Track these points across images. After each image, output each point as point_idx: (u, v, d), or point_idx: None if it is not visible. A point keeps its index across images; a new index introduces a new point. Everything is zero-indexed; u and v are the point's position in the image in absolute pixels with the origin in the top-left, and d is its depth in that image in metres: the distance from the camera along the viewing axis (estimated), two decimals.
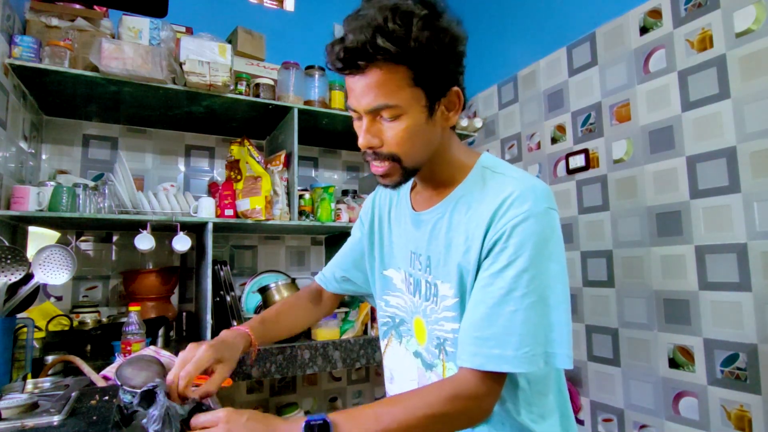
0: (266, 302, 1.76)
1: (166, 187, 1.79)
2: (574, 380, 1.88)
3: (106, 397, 0.83)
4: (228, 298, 1.69)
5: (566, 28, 1.98)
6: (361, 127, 0.72)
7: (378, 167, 0.74)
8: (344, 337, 1.74)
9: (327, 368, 1.66)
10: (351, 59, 0.66)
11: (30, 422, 0.70)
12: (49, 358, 1.24)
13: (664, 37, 1.60)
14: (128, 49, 1.49)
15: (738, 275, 1.38)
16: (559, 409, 0.78)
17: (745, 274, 1.36)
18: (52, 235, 1.73)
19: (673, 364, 1.54)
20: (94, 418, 0.73)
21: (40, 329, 1.41)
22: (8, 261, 1.07)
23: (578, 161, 1.88)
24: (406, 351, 0.87)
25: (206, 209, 1.66)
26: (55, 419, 0.72)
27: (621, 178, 1.73)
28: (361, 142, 0.72)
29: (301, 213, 1.83)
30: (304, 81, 1.91)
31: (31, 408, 0.76)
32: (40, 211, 1.41)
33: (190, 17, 1.92)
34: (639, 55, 1.68)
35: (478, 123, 2.22)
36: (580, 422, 1.85)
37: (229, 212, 1.70)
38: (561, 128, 1.99)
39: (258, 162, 1.77)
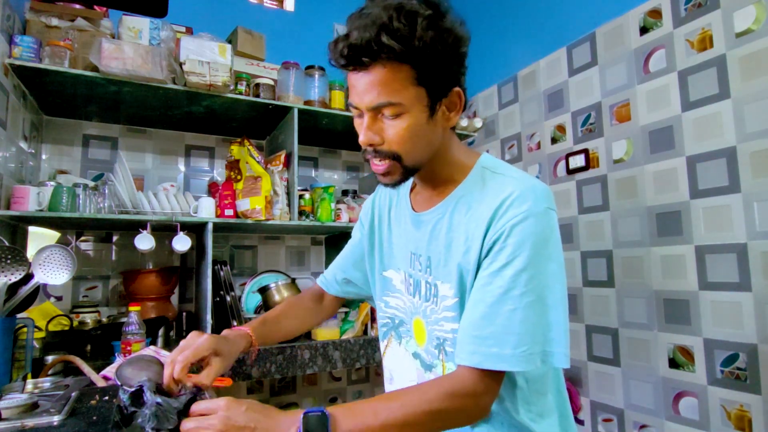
0: (266, 302, 1.76)
1: (166, 187, 1.78)
2: (574, 380, 1.87)
3: (106, 397, 0.83)
4: (228, 298, 1.69)
5: (566, 28, 1.98)
6: (361, 124, 0.72)
7: (378, 165, 0.74)
8: (344, 337, 1.74)
9: (327, 368, 1.66)
10: (355, 56, 0.67)
11: (30, 422, 0.70)
12: (49, 358, 1.24)
13: (664, 37, 1.60)
14: (128, 49, 1.49)
15: (738, 275, 1.38)
16: (558, 408, 0.78)
17: (745, 274, 1.36)
18: (52, 235, 1.73)
19: (673, 364, 1.54)
20: (94, 418, 0.74)
21: (40, 329, 1.41)
22: (8, 261, 1.07)
23: (578, 161, 1.88)
24: (405, 352, 0.87)
25: (206, 209, 1.66)
26: (55, 419, 0.72)
27: (621, 178, 1.73)
28: (362, 139, 0.72)
29: (301, 213, 1.83)
30: (304, 81, 1.91)
31: (31, 408, 0.76)
32: (40, 211, 1.41)
33: (190, 17, 1.92)
34: (639, 55, 1.68)
35: (478, 123, 2.22)
36: (580, 422, 1.85)
37: (229, 212, 1.70)
38: (561, 128, 1.99)
39: (258, 162, 1.77)
